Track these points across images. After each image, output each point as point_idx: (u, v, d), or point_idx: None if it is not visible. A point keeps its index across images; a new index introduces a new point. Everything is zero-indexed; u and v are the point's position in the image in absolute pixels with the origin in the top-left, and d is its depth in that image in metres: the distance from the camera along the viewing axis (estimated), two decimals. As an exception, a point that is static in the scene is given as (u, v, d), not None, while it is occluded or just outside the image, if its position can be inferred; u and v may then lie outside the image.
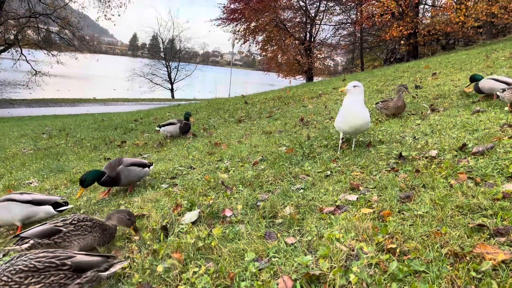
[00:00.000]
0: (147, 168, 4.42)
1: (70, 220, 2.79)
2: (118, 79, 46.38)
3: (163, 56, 45.22)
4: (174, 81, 44.33)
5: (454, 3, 20.22)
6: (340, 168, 3.83)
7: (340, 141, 4.52)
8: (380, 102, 5.83)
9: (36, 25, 28.14)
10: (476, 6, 18.25)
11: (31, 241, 2.69)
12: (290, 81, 31.12)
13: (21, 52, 27.89)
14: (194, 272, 2.32)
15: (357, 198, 3.04)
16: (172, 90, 43.61)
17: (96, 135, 8.99)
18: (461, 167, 3.22)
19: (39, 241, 2.69)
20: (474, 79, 6.02)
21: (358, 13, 28.39)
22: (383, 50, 32.12)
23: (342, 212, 2.83)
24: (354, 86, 4.11)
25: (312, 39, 30.67)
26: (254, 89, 27.61)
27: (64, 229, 2.73)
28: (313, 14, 30.50)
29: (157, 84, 43.79)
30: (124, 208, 2.79)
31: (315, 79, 30.03)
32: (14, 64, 27.88)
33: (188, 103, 18.44)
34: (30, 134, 10.17)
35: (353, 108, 4.15)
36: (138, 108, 19.22)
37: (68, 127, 10.91)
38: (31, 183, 5.20)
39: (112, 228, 2.89)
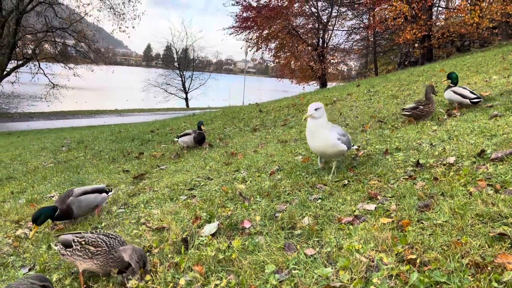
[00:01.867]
0: (104, 194, 4.22)
1: (83, 239, 2.75)
2: (133, 90, 47.04)
3: (177, 66, 45.74)
4: (188, 90, 44.74)
5: (468, 4, 20.01)
6: (357, 177, 3.83)
7: (319, 163, 4.35)
8: (421, 106, 5.60)
9: (53, 39, 28.84)
10: (490, 6, 18.03)
11: (59, 247, 2.90)
12: (303, 87, 31.09)
13: (39, 66, 28.57)
14: (216, 285, 2.36)
15: (375, 207, 3.04)
16: (186, 99, 44.02)
17: (114, 147, 9.13)
18: (480, 174, 3.19)
19: (61, 249, 2.87)
20: (449, 77, 6.09)
21: (371, 18, 28.27)
22: (397, 54, 31.87)
23: (361, 222, 2.84)
24: (315, 109, 3.76)
25: (325, 45, 30.64)
26: (268, 96, 27.69)
27: (74, 247, 2.75)
28: (325, 20, 30.51)
29: (172, 94, 44.29)
30: (139, 248, 2.66)
31: (329, 84, 29.95)
32: (33, 77, 28.58)
33: (203, 112, 18.58)
34: (50, 147, 10.37)
35: (315, 134, 3.89)
36: (154, 119, 19.42)
37: (86, 139, 11.10)
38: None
39: (122, 258, 2.66)
